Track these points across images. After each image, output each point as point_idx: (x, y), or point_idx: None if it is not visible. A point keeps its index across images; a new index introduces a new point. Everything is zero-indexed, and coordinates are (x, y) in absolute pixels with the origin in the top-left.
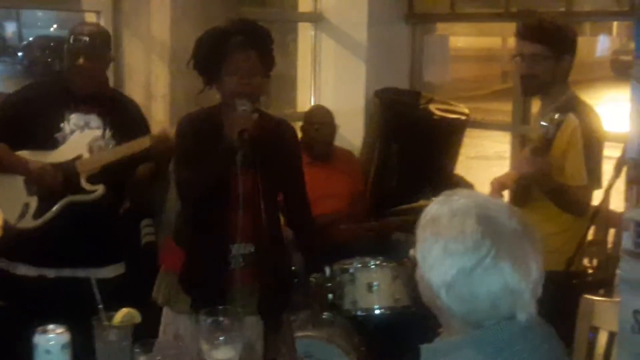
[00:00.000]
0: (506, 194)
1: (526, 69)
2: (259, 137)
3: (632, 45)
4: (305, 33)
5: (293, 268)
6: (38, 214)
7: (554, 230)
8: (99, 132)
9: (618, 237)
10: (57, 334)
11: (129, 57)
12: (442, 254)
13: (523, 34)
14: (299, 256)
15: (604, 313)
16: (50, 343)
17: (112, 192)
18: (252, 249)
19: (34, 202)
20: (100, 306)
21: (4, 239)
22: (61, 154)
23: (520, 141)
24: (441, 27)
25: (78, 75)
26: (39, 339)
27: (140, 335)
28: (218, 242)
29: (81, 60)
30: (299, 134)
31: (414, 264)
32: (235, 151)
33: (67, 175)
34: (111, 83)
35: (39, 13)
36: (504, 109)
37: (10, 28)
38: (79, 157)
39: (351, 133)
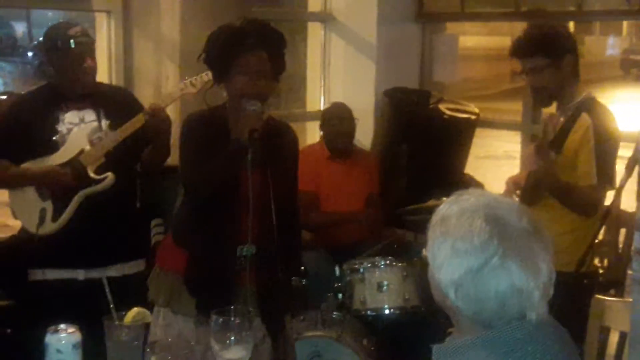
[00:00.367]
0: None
1: (534, 83)
2: (268, 139)
3: None
4: (315, 32)
5: (302, 268)
6: (56, 215)
7: (563, 230)
8: (95, 124)
9: (629, 237)
10: (68, 333)
11: (139, 57)
12: (450, 253)
13: (517, 53)
14: (312, 255)
15: (615, 313)
16: (62, 342)
17: (123, 180)
18: (260, 250)
19: (49, 206)
20: (112, 305)
21: (30, 249)
22: (64, 154)
23: (530, 140)
24: (450, 27)
25: (86, 76)
26: (50, 339)
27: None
28: (225, 243)
29: (89, 61)
30: (319, 132)
31: (425, 264)
32: (245, 151)
33: (75, 171)
34: (121, 83)
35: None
36: (513, 109)
37: (20, 28)
38: (82, 152)
39: (361, 133)
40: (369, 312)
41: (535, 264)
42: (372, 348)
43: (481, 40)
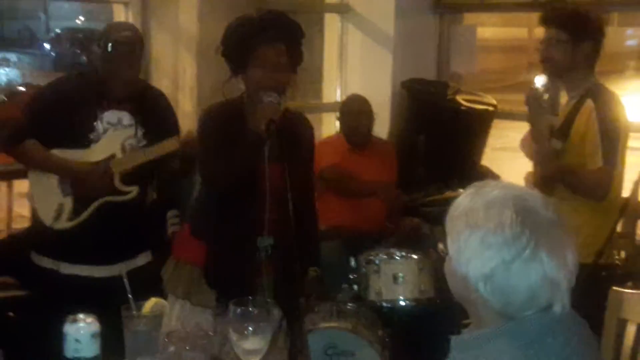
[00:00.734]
0: None
1: (543, 53)
2: (285, 130)
3: None
4: (332, 24)
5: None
6: (73, 215)
7: (581, 222)
8: (131, 131)
9: None
10: (86, 323)
11: (157, 49)
12: (480, 246)
13: (544, 20)
14: (328, 245)
15: (633, 305)
16: (81, 332)
17: (142, 187)
18: (278, 241)
19: (68, 203)
20: (130, 296)
21: (42, 238)
22: (95, 153)
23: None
24: (468, 18)
25: (115, 81)
26: (69, 328)
27: None
28: (244, 234)
29: (119, 68)
30: (335, 124)
31: (442, 257)
32: (263, 142)
33: (102, 175)
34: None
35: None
36: None
37: (38, 20)
38: (112, 157)
39: (378, 124)
40: (384, 304)
41: (564, 253)
42: (387, 339)
43: (498, 31)
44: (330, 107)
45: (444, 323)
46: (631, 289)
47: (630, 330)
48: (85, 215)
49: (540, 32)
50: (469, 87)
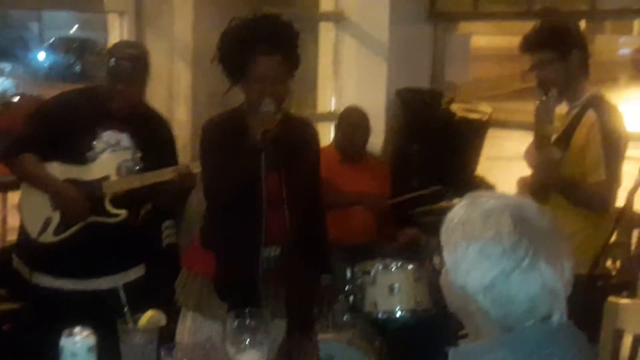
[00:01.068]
0: None
1: (540, 77)
2: (284, 138)
3: None
4: (327, 33)
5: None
6: (59, 230)
7: (573, 230)
8: (128, 154)
9: None
10: (83, 337)
11: (152, 58)
12: (478, 257)
13: (525, 47)
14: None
15: (629, 316)
16: (77, 346)
17: (133, 212)
18: (284, 250)
19: (56, 217)
20: (126, 309)
21: (26, 248)
22: (89, 172)
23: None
24: (462, 26)
25: (116, 99)
26: (65, 342)
27: (164, 337)
28: (248, 245)
29: (120, 86)
30: (330, 134)
31: (438, 270)
32: (258, 152)
33: (92, 195)
34: None
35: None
36: (525, 109)
37: (32, 30)
38: (106, 178)
39: (372, 133)
40: (380, 315)
41: (561, 263)
42: (384, 351)
43: (492, 39)
44: (324, 117)
45: (440, 334)
46: (627, 298)
47: (627, 340)
48: (70, 231)
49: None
50: (463, 96)
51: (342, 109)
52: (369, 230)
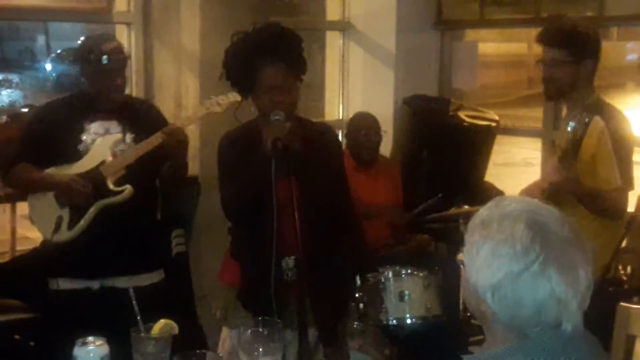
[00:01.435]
0: None
1: (547, 74)
2: (301, 145)
3: None
4: (334, 41)
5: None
6: (72, 224)
7: (588, 237)
8: (120, 136)
9: None
10: (96, 346)
11: (159, 68)
12: (490, 257)
13: (543, 39)
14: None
15: None
16: (90, 355)
17: (142, 193)
18: (300, 259)
19: (66, 213)
20: (139, 317)
21: (44, 257)
22: (86, 163)
23: (550, 147)
24: (469, 33)
25: (114, 92)
26: (78, 351)
27: (177, 347)
28: (266, 255)
29: (116, 78)
30: (343, 140)
31: (454, 270)
32: (268, 161)
33: (95, 182)
34: (142, 94)
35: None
36: (531, 115)
37: (38, 41)
38: (103, 163)
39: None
40: (390, 322)
41: (575, 273)
42: (395, 358)
43: (498, 46)
44: (332, 125)
45: (450, 341)
46: (638, 304)
47: (639, 346)
48: (84, 221)
49: (539, 47)
50: (470, 103)
51: (349, 117)
52: (383, 238)
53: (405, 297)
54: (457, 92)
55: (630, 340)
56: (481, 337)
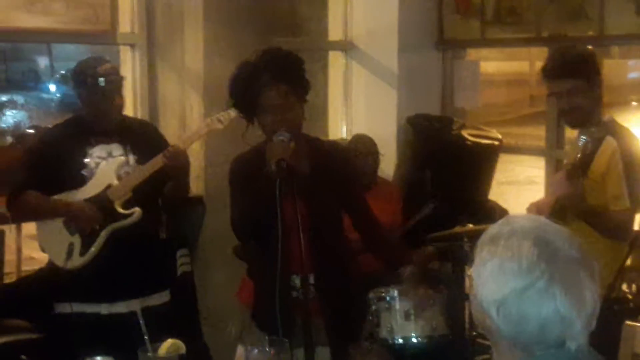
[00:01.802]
0: None
1: (567, 104)
2: (307, 165)
3: None
4: (336, 61)
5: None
6: (84, 250)
7: (593, 255)
8: (123, 159)
9: None
10: None
11: (163, 89)
12: (496, 272)
13: (552, 74)
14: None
15: None
16: None
17: (148, 214)
18: (304, 279)
19: (77, 240)
20: (146, 337)
21: (51, 281)
22: (92, 188)
23: (555, 166)
24: (471, 52)
25: (112, 113)
26: None
27: None
28: (275, 273)
29: (114, 100)
30: None
31: (466, 285)
32: (274, 181)
33: (103, 206)
34: (146, 114)
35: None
36: (533, 133)
37: (42, 62)
38: (109, 187)
39: (384, 160)
40: (396, 341)
41: (581, 293)
42: None
43: (500, 65)
44: None
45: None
46: None
47: None
48: (96, 247)
49: (540, 66)
50: (473, 121)
51: (352, 137)
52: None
53: (411, 316)
54: (459, 111)
55: (636, 359)
56: (487, 356)
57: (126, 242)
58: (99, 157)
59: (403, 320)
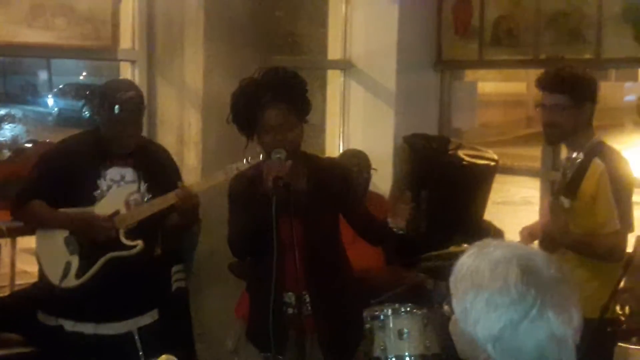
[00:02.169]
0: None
1: (548, 119)
2: (304, 183)
3: None
4: (335, 80)
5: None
6: (80, 272)
7: (587, 277)
8: (134, 187)
9: None
10: None
11: (163, 105)
12: (486, 307)
13: (543, 85)
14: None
15: None
16: None
17: (148, 240)
18: (299, 296)
19: (75, 260)
20: (141, 353)
21: (49, 298)
22: (100, 210)
23: (550, 187)
24: (469, 73)
25: (121, 140)
26: None
27: None
28: (269, 290)
29: (127, 128)
30: None
31: (447, 317)
32: (269, 199)
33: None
34: (144, 130)
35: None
36: (529, 154)
37: (41, 76)
38: (116, 213)
39: (380, 179)
40: None
41: (569, 311)
42: None
43: (497, 86)
44: None
45: None
46: (636, 344)
47: None
48: (92, 271)
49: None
50: (470, 142)
51: (344, 151)
52: (374, 265)
53: (405, 335)
54: (456, 131)
55: None
56: None
57: (122, 267)
58: (112, 180)
59: (396, 339)
